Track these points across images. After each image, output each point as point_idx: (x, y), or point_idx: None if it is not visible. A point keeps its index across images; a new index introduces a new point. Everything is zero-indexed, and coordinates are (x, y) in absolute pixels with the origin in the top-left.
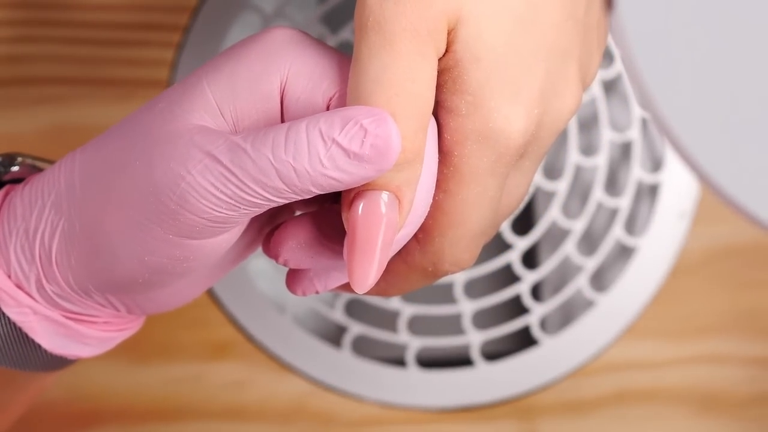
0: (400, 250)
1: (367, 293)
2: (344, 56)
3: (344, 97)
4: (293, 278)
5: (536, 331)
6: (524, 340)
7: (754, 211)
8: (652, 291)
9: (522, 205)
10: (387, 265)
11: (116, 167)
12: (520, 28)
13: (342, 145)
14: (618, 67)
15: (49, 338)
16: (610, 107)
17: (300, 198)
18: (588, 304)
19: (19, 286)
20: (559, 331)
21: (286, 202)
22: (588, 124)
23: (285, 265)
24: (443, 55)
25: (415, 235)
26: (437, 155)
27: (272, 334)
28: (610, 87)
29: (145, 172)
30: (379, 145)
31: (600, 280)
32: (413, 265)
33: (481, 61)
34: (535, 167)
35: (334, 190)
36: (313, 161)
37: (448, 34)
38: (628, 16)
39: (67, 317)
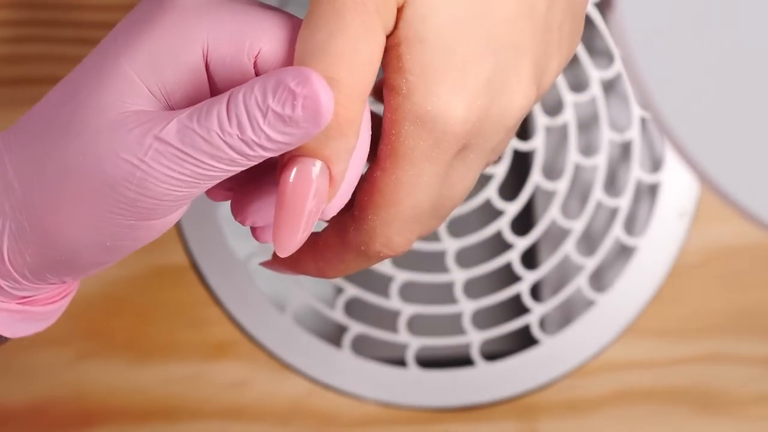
0: (336, 228)
1: (308, 273)
2: (259, 8)
3: (271, 53)
4: (261, 228)
5: (536, 331)
6: (524, 339)
7: (754, 211)
8: (652, 291)
9: (522, 205)
10: (324, 241)
11: (57, 167)
12: (470, 16)
13: (277, 111)
14: (618, 67)
15: (9, 328)
16: (610, 107)
17: (258, 162)
18: (588, 304)
19: None
20: (559, 330)
21: (245, 168)
22: (588, 124)
23: (253, 225)
24: (390, 33)
25: (351, 213)
26: (369, 134)
27: (272, 334)
28: (610, 87)
29: (94, 168)
30: (310, 105)
31: (600, 280)
32: (347, 243)
33: (425, 43)
34: (482, 162)
35: (289, 149)
36: (256, 131)
37: (397, 12)
38: (628, 16)
39: (22, 303)
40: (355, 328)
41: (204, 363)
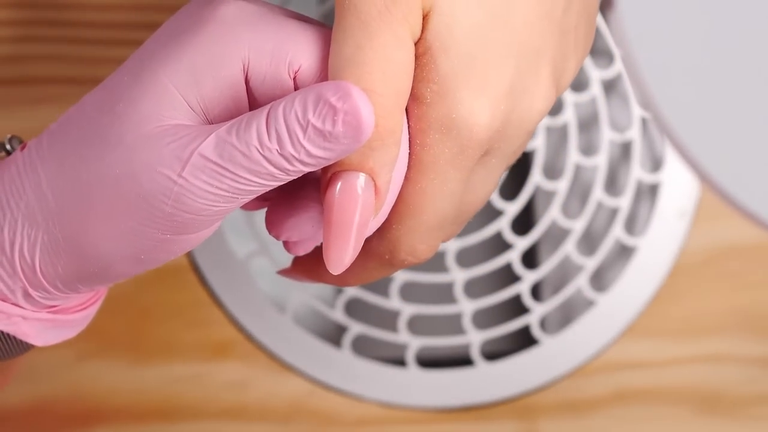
0: None
1: (328, 282)
2: (299, 22)
3: (311, 69)
4: (294, 242)
5: (536, 331)
6: (524, 339)
7: (754, 210)
8: (652, 291)
9: (522, 205)
10: None
11: (93, 179)
12: (492, 22)
13: (317, 127)
14: (618, 67)
15: (40, 336)
16: (610, 107)
17: (297, 176)
18: (588, 304)
19: (3, 299)
20: (559, 330)
21: (284, 182)
22: (588, 124)
23: (288, 240)
24: (416, 42)
25: None
26: (407, 143)
27: (272, 334)
28: (610, 87)
29: (129, 181)
30: (350, 121)
31: (600, 280)
32: (371, 252)
33: (449, 52)
34: (502, 166)
35: (329, 164)
36: (296, 146)
37: (423, 18)
38: (628, 16)
39: (53, 311)
40: (355, 328)
41: (204, 363)
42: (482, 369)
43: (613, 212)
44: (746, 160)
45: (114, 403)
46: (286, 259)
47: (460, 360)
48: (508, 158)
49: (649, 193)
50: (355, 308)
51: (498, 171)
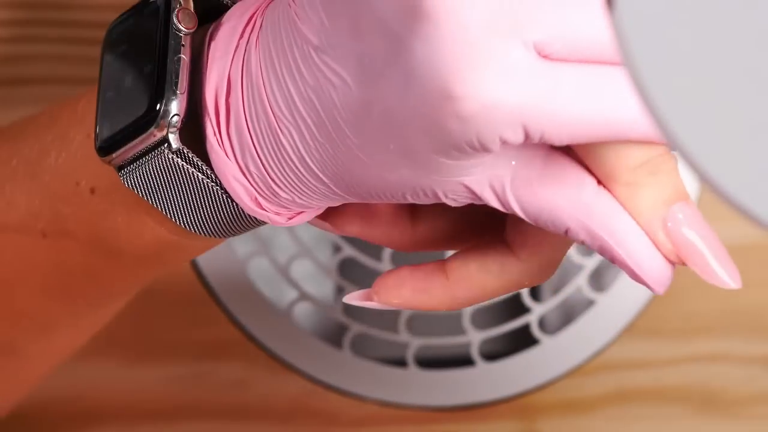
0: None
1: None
2: None
3: None
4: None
5: (536, 331)
6: (524, 339)
7: (754, 211)
8: None
9: None
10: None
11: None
12: None
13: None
14: None
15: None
16: None
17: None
18: (588, 304)
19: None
20: (558, 330)
21: None
22: None
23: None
24: None
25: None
26: None
27: (272, 334)
28: None
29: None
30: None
31: (600, 279)
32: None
33: None
34: None
35: None
36: None
37: None
38: (628, 15)
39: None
40: (355, 328)
41: (204, 363)
42: (482, 369)
43: None
44: (746, 160)
45: (113, 402)
46: (286, 260)
47: (460, 360)
48: None
49: None
50: (355, 308)
51: None
